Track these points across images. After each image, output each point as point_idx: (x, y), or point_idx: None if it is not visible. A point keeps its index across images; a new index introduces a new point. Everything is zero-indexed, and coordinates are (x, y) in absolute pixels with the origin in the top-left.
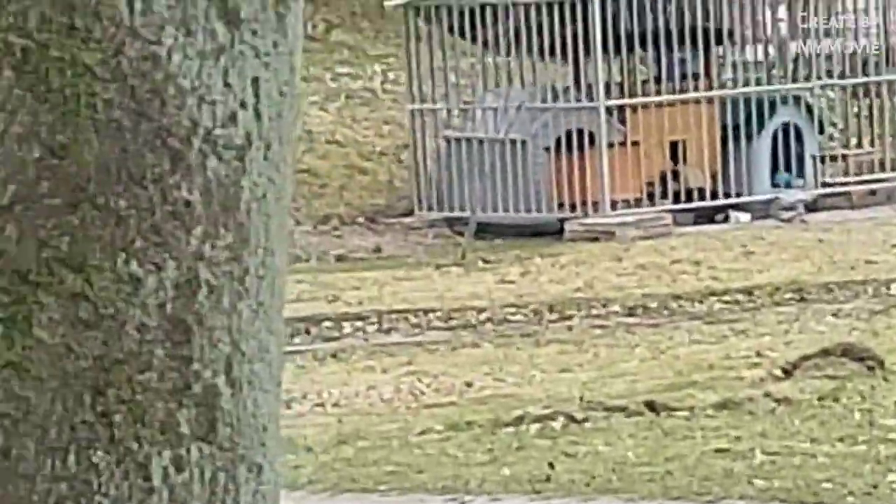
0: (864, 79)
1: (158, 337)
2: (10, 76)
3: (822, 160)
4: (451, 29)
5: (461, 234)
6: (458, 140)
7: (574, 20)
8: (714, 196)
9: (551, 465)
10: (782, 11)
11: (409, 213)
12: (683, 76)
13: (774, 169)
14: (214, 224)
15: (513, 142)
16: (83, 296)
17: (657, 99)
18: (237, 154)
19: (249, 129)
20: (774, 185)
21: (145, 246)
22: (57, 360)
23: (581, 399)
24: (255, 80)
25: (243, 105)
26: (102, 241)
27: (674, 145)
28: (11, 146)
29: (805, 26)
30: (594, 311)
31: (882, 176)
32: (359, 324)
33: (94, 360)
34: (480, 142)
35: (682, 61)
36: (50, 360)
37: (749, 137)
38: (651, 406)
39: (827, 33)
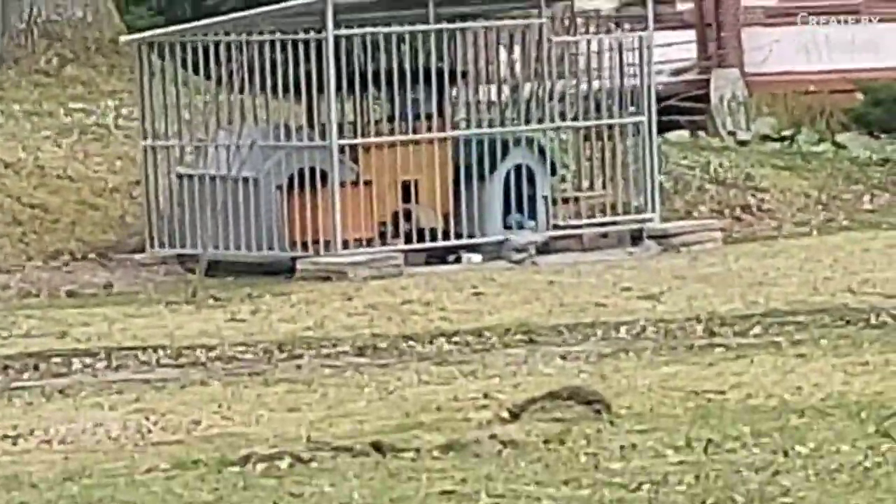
0: (597, 121)
1: None
2: None
3: (555, 202)
4: (185, 65)
5: (192, 271)
6: (190, 177)
7: (308, 58)
8: (446, 237)
9: None
10: (517, 52)
11: (141, 249)
12: (417, 116)
13: (507, 210)
14: None
15: (245, 180)
16: None
17: (390, 139)
18: None
19: None
20: (506, 226)
21: None
22: None
23: (308, 439)
24: None
25: None
26: None
27: (406, 185)
28: None
29: (538, 67)
30: (324, 351)
31: (614, 219)
32: (88, 360)
33: None
34: (212, 179)
35: (416, 101)
36: None
37: (481, 178)
38: (378, 447)
39: (560, 75)
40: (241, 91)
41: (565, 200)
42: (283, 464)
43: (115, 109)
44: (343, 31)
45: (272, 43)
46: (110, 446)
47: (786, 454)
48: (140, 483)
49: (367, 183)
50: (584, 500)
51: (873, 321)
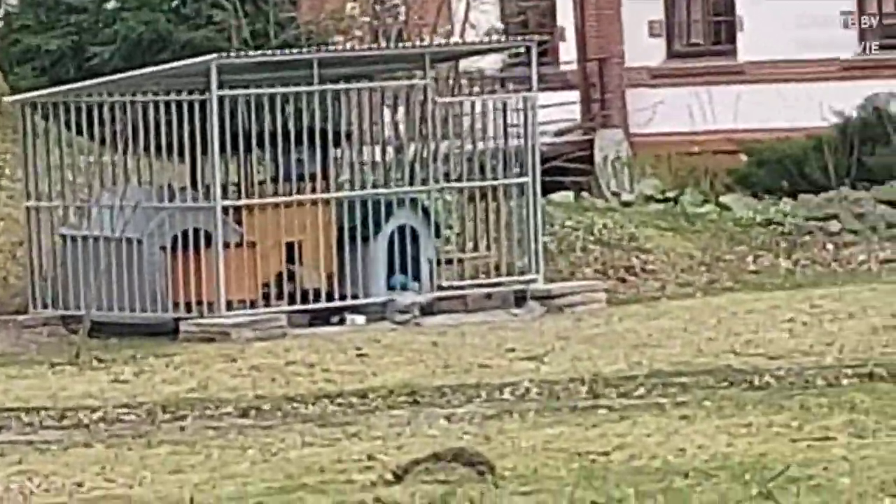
0: (481, 182)
1: None
2: None
3: (439, 263)
4: (68, 126)
5: (76, 332)
6: (73, 238)
7: (192, 119)
8: (330, 298)
9: None
10: (401, 113)
11: (24, 310)
12: (300, 177)
13: (391, 271)
14: None
15: (128, 241)
16: None
17: (274, 200)
18: None
19: None
20: (390, 287)
21: None
22: None
23: (191, 501)
24: None
25: None
26: None
27: (290, 246)
28: None
29: (423, 128)
30: (208, 413)
31: (498, 280)
32: None
33: None
34: (96, 240)
35: (300, 162)
36: None
37: (365, 239)
38: None
39: (445, 135)
40: (125, 152)
41: (449, 261)
42: None
43: None
44: (227, 92)
45: (156, 103)
46: None
47: None
48: None
49: (251, 244)
50: None
51: (757, 382)
